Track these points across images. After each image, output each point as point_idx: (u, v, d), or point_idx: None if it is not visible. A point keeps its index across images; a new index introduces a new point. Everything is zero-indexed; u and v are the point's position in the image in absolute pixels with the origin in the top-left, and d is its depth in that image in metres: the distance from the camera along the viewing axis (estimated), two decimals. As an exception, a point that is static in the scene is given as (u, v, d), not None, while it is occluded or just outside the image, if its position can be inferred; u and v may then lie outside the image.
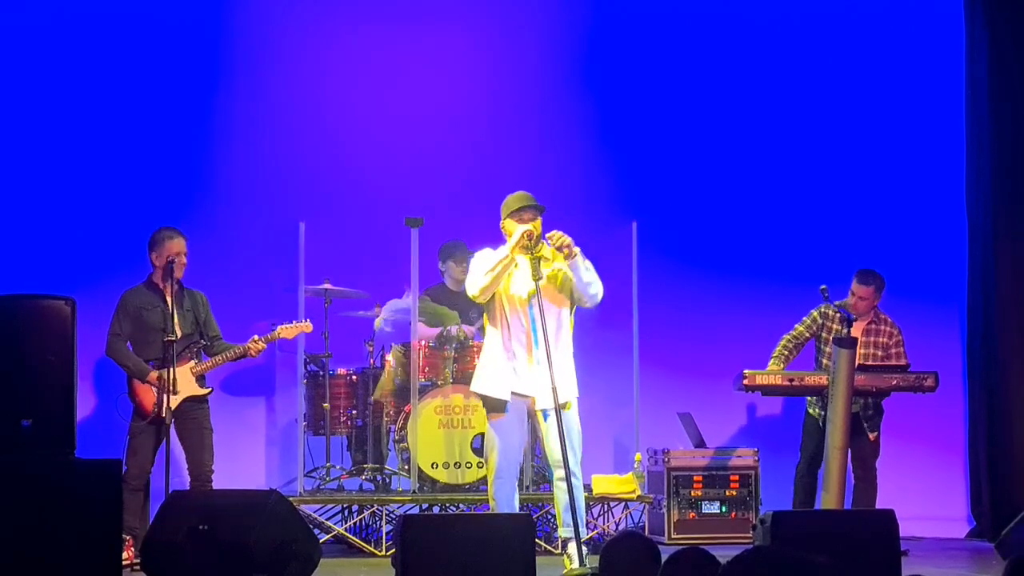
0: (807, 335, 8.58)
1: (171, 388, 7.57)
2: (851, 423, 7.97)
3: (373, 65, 9.94)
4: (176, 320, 7.76)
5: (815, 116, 10.13)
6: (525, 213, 6.94)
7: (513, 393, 6.92)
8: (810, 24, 10.18)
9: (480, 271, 6.91)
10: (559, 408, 6.62)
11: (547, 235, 6.83)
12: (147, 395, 7.74)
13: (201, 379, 7.86)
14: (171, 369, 7.57)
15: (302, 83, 9.91)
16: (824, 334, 8.55)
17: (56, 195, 9.50)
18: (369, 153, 9.87)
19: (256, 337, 7.89)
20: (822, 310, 8.60)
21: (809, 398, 8.55)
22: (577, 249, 6.85)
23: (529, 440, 7.52)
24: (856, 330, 8.47)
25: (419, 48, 9.96)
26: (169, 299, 7.77)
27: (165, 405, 7.61)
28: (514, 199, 7.02)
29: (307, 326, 8.16)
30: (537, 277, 6.76)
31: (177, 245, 7.83)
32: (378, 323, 9.16)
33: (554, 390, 6.62)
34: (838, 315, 8.49)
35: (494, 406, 6.98)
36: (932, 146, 10.13)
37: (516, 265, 6.92)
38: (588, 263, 6.95)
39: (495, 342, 7.00)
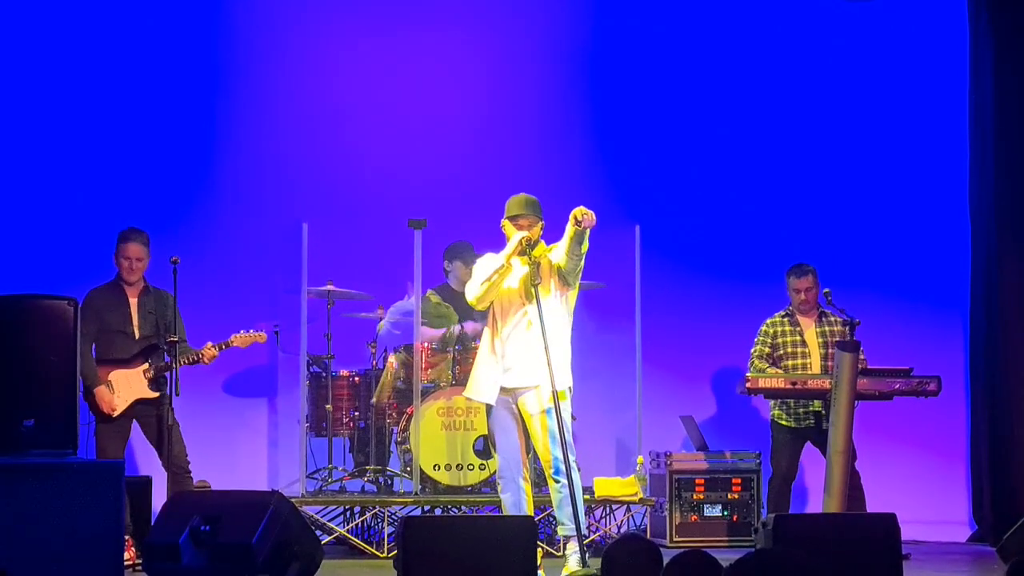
0: (767, 351, 8.61)
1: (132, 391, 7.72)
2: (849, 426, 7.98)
3: (376, 68, 9.94)
4: (135, 322, 7.85)
5: (818, 120, 10.12)
6: (523, 219, 6.96)
7: (502, 389, 6.94)
8: (813, 28, 10.17)
9: (478, 279, 6.95)
10: (558, 405, 6.63)
11: (577, 213, 6.72)
12: (102, 398, 7.78)
13: (159, 382, 7.88)
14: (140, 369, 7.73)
15: (305, 84, 9.92)
16: (780, 340, 8.57)
17: (59, 195, 9.51)
18: (372, 155, 9.87)
19: (210, 344, 7.94)
20: (770, 323, 8.64)
21: (772, 402, 8.55)
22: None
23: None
24: (807, 327, 8.54)
25: (422, 51, 9.96)
26: (132, 301, 7.87)
27: (126, 407, 7.76)
28: (515, 203, 7.02)
29: (261, 336, 8.17)
30: (536, 282, 6.77)
31: (130, 250, 7.88)
32: (381, 326, 9.16)
33: (554, 392, 6.63)
34: (786, 321, 8.59)
35: (485, 410, 7.07)
36: (935, 149, 10.11)
37: (511, 269, 6.94)
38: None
39: (484, 344, 7.07)
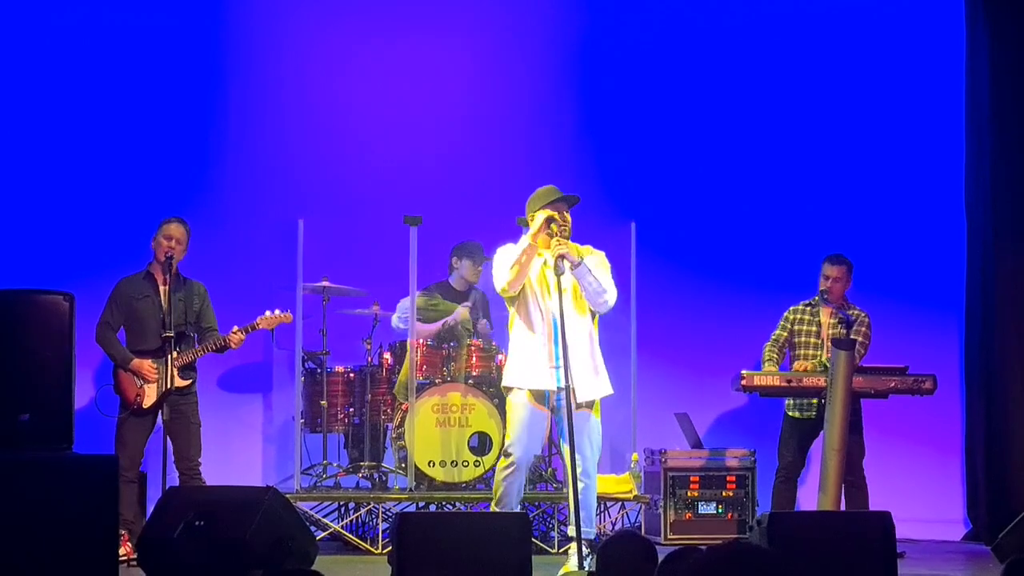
0: (785, 336, 8.62)
1: (168, 381, 7.62)
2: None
3: (373, 64, 9.94)
4: (165, 311, 7.77)
5: (813, 118, 10.12)
6: (549, 206, 6.92)
7: (531, 389, 6.93)
8: (809, 25, 10.17)
9: (504, 265, 6.90)
10: (571, 407, 6.61)
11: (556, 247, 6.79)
12: (130, 386, 7.77)
13: (186, 370, 7.86)
14: (168, 360, 7.66)
15: (302, 80, 9.91)
16: (798, 327, 8.58)
17: (56, 190, 9.51)
18: (368, 151, 9.87)
19: (236, 328, 7.90)
20: (792, 309, 8.65)
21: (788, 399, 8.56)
22: (579, 259, 6.84)
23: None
24: (825, 317, 8.55)
25: (418, 49, 9.95)
26: (163, 289, 7.80)
27: (158, 398, 7.68)
28: (543, 192, 7.01)
29: (287, 317, 8.12)
30: (560, 272, 6.72)
31: (169, 230, 7.84)
32: (395, 318, 9.14)
33: (571, 390, 6.62)
34: (808, 310, 8.59)
35: (514, 396, 7.00)
36: (931, 149, 10.12)
37: (540, 255, 6.91)
38: (602, 270, 6.96)
39: (518, 335, 7.01)
